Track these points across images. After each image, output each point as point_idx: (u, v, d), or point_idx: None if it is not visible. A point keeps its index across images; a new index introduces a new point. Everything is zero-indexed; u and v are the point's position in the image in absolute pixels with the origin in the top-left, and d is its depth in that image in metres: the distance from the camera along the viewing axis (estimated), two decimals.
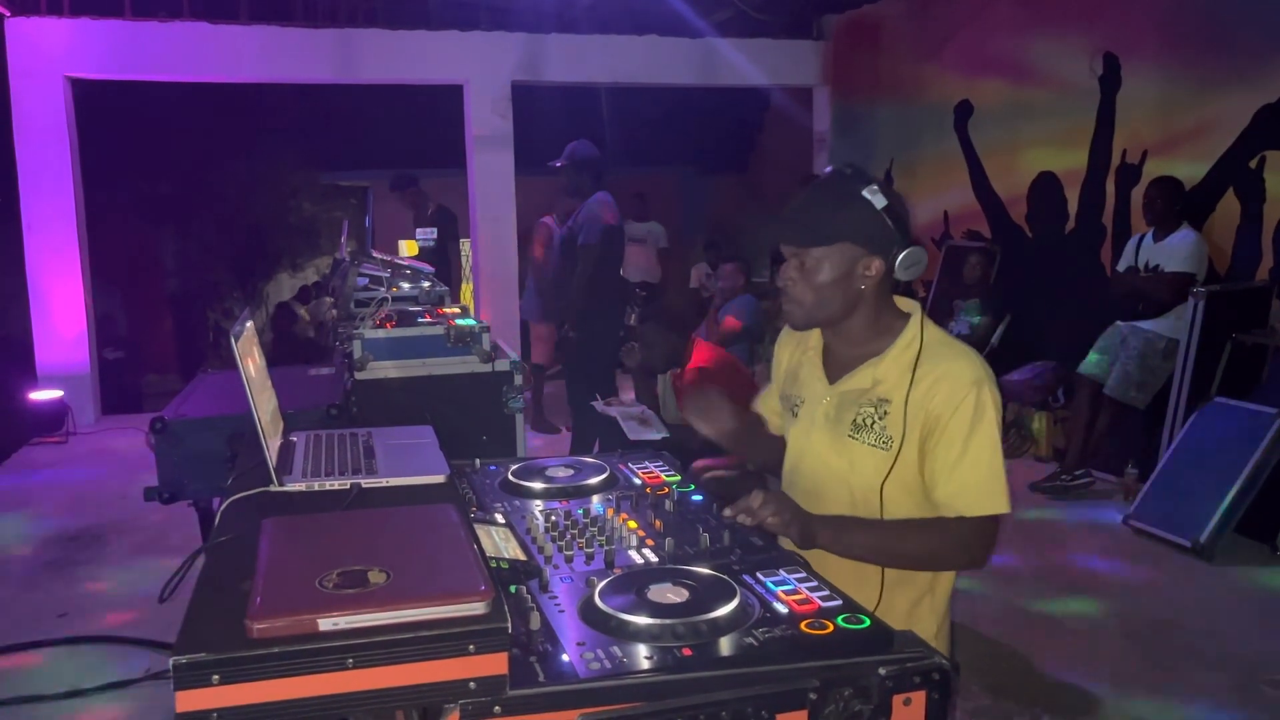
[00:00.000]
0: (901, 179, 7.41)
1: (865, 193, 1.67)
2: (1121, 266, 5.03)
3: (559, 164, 4.98)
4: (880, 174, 7.44)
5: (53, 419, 6.22)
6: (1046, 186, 6.04)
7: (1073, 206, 5.85)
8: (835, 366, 1.81)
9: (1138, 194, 5.17)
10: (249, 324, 1.64)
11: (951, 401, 1.65)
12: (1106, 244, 5.58)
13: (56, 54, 6.43)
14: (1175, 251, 4.75)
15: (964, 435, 1.65)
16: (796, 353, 1.91)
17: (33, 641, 3.36)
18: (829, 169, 1.76)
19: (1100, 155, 5.62)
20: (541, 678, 1.08)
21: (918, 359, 1.69)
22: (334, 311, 4.63)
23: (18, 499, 5.12)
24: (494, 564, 1.27)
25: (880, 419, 1.71)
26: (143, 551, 4.28)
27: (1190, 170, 5.00)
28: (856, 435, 1.73)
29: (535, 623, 1.19)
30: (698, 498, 1.71)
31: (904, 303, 1.80)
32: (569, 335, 4.90)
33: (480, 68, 7.28)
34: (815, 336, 1.86)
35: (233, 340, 1.51)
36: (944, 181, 6.91)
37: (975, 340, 5.92)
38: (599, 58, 7.51)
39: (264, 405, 1.59)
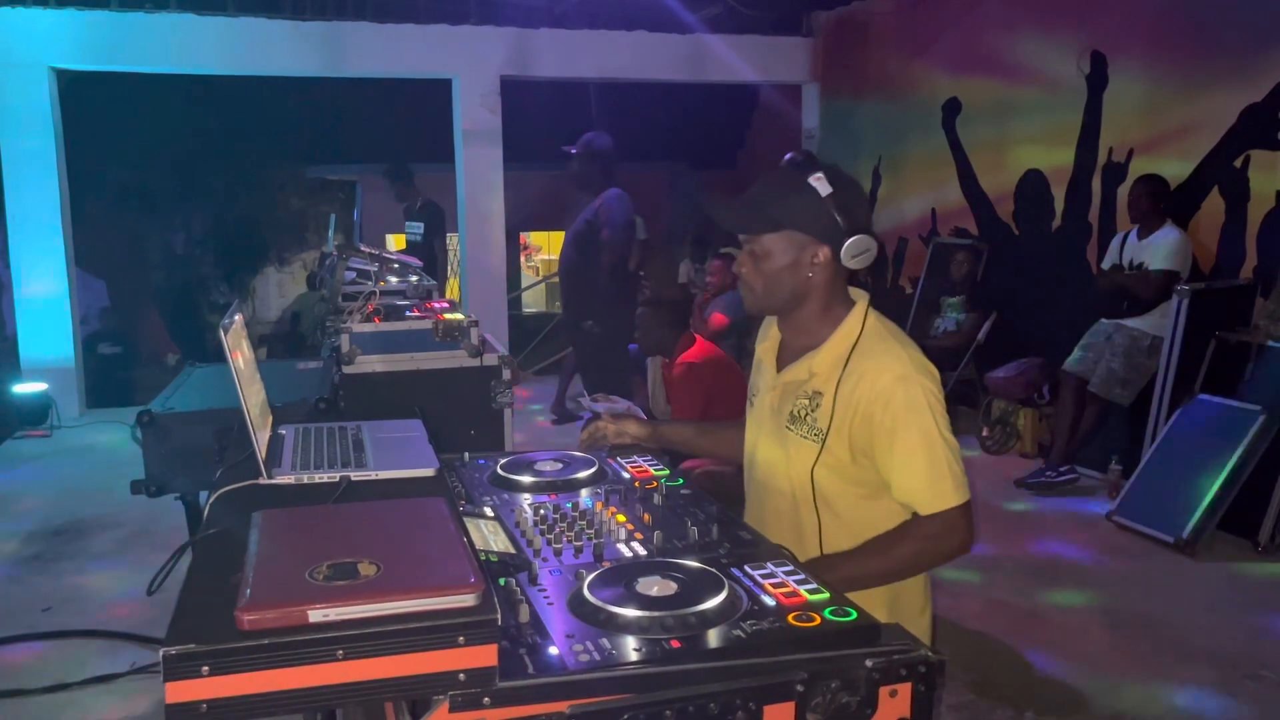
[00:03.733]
0: (889, 176, 7.43)
1: (812, 180, 1.69)
2: (1106, 264, 5.07)
3: (574, 150, 4.98)
4: (868, 171, 7.49)
5: (37, 412, 6.18)
6: (1033, 184, 6.07)
7: (1059, 204, 5.88)
8: (785, 357, 1.85)
9: (1123, 192, 5.20)
10: (238, 316, 1.63)
11: (879, 400, 1.66)
12: (1092, 242, 5.61)
13: (42, 45, 6.38)
14: (1159, 249, 4.78)
15: (900, 435, 1.66)
16: (761, 346, 1.95)
17: (18, 635, 3.35)
18: (787, 156, 1.80)
19: (1087, 153, 5.66)
20: (530, 669, 1.08)
21: (851, 352, 1.71)
22: (321, 304, 4.62)
23: (1, 492, 5.09)
24: (483, 557, 1.28)
25: (812, 411, 1.74)
26: (128, 545, 4.26)
27: (1175, 169, 5.04)
28: (792, 426, 1.77)
29: (524, 615, 1.19)
30: (686, 492, 1.71)
31: (855, 293, 1.82)
32: (591, 329, 4.91)
33: (469, 62, 7.26)
34: (775, 328, 1.90)
35: (221, 332, 1.50)
36: (932, 179, 6.94)
37: (962, 336, 5.95)
38: (588, 53, 7.50)
39: (253, 398, 1.59)
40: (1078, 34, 5.67)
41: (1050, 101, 5.88)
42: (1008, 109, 6.23)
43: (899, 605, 1.74)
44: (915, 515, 1.70)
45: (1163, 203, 4.82)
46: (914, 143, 7.12)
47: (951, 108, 6.70)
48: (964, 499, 1.67)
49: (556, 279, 13.79)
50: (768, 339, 1.92)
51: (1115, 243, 5.05)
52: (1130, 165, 5.36)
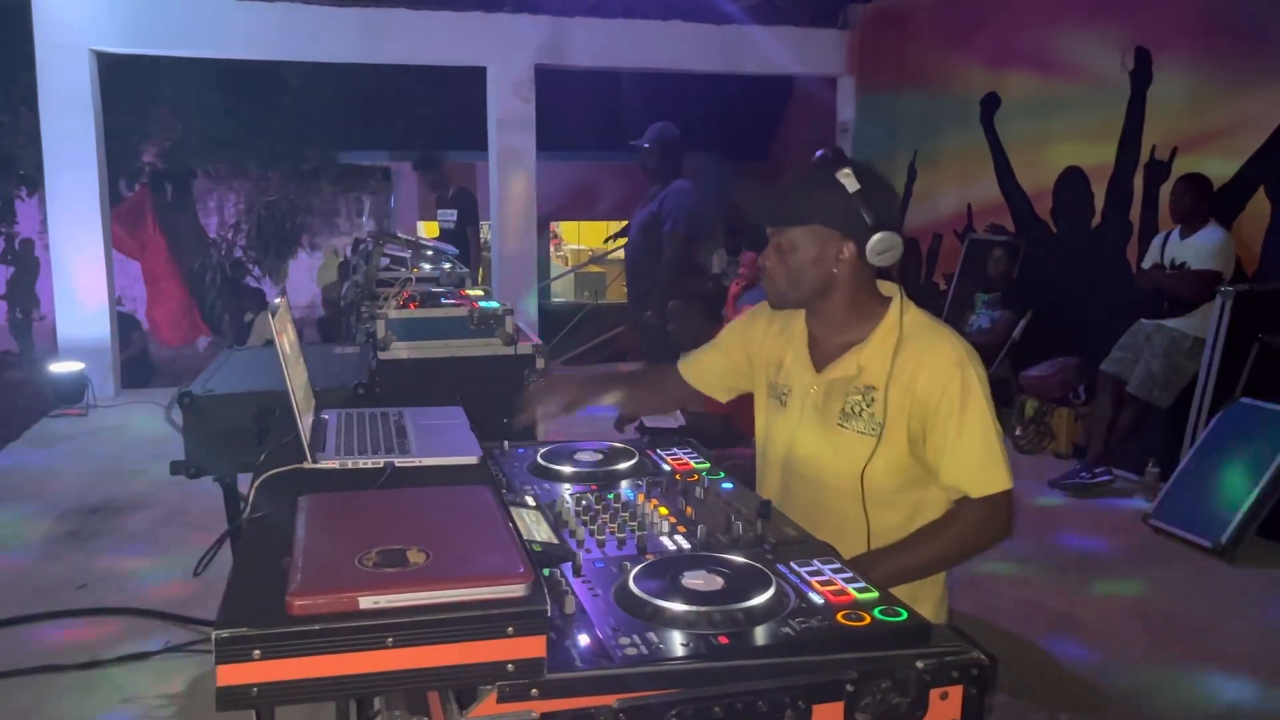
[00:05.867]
0: (925, 171, 7.36)
1: (839, 176, 1.70)
2: (1147, 263, 4.99)
3: (645, 144, 4.97)
4: (903, 165, 7.42)
5: (73, 391, 6.26)
6: (1073, 181, 5.99)
7: (1099, 202, 5.80)
8: (820, 355, 1.84)
9: (1166, 190, 5.11)
10: (283, 299, 1.63)
11: (937, 386, 1.69)
12: (1133, 240, 5.53)
13: (83, 27, 6.43)
14: (1202, 249, 4.70)
15: (956, 419, 1.69)
16: (777, 340, 1.94)
17: (53, 612, 3.39)
18: (817, 154, 1.81)
19: (1129, 151, 5.57)
20: (578, 662, 1.07)
21: (899, 344, 1.73)
22: (355, 290, 4.64)
23: (38, 470, 5.15)
24: (528, 546, 1.27)
25: (868, 406, 1.74)
26: (161, 525, 4.30)
27: (1220, 168, 4.95)
28: (845, 423, 1.77)
29: (570, 606, 1.18)
30: (728, 485, 1.69)
31: (886, 287, 1.83)
32: (650, 320, 4.92)
33: (503, 50, 7.26)
34: (799, 325, 1.89)
35: (269, 315, 1.50)
36: (968, 174, 6.86)
37: (996, 334, 5.88)
38: (623, 43, 7.47)
39: (297, 381, 1.58)
40: (1122, 28, 5.57)
41: (1092, 97, 5.79)
42: (1048, 104, 6.14)
43: (919, 593, 1.75)
44: (960, 501, 1.72)
45: (1206, 202, 4.73)
46: (950, 137, 7.04)
47: (990, 102, 6.62)
48: (1011, 484, 1.71)
49: (585, 269, 13.83)
50: (792, 335, 1.90)
51: (1156, 242, 4.97)
52: (1174, 163, 5.27)
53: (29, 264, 11.10)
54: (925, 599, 1.77)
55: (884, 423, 1.72)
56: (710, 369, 2.08)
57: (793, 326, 1.90)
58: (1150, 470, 4.75)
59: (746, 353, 2.01)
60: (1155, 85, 5.40)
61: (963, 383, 1.69)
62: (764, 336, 1.97)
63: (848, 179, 1.69)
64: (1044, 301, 5.86)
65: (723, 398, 2.10)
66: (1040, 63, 6.19)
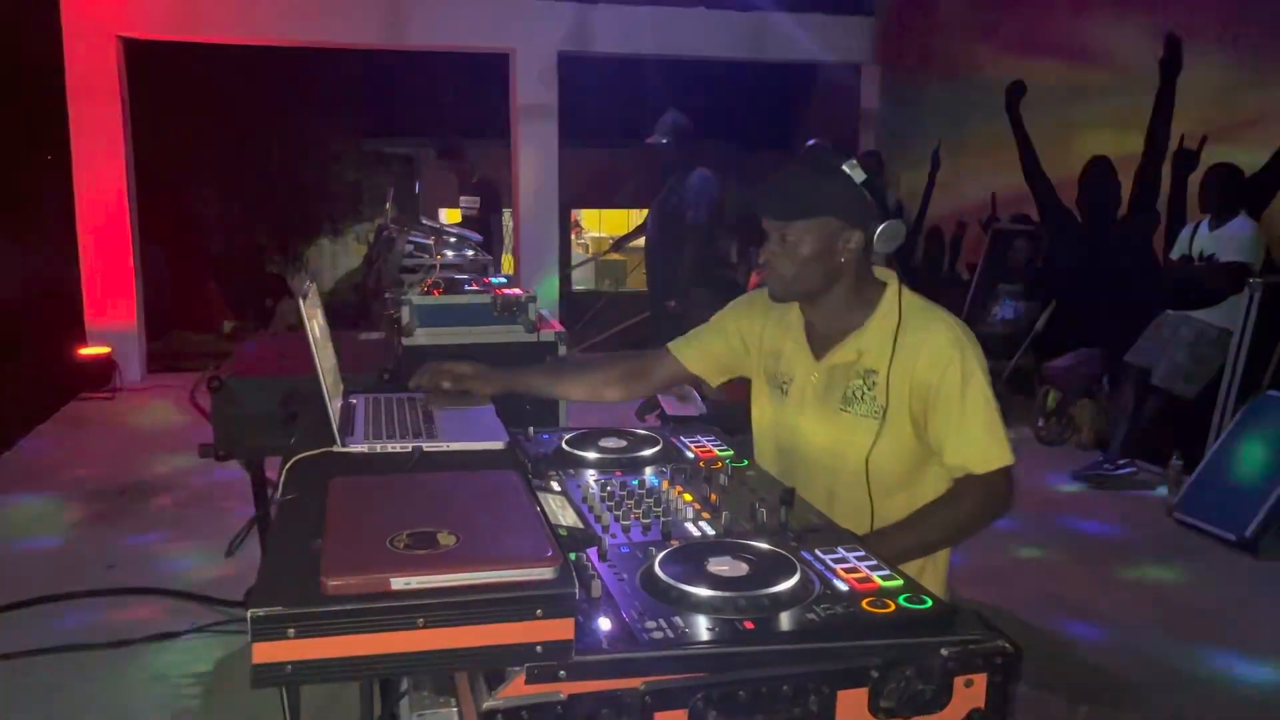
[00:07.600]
0: (949, 159, 7.31)
1: (845, 167, 1.74)
2: (1175, 255, 4.94)
3: (665, 140, 4.98)
4: (927, 153, 7.38)
5: (100, 375, 6.34)
6: (1099, 170, 5.93)
7: (1126, 192, 5.74)
8: (819, 342, 1.86)
9: (1195, 180, 5.06)
10: (312, 284, 1.65)
11: (936, 368, 1.72)
12: (1160, 231, 5.47)
13: (110, 14, 6.49)
14: (1231, 240, 4.65)
15: (958, 398, 1.71)
16: (775, 330, 1.95)
17: (83, 591, 3.43)
18: (809, 144, 1.82)
19: (1157, 140, 5.51)
20: (604, 645, 1.08)
21: (899, 327, 1.76)
22: (378, 277, 4.65)
23: (67, 452, 5.23)
24: (555, 531, 1.28)
25: (869, 390, 1.77)
26: (188, 507, 4.36)
27: (1250, 158, 4.88)
28: (848, 408, 1.79)
29: (596, 590, 1.19)
30: (751, 473, 1.70)
31: (881, 272, 1.85)
32: (673, 310, 4.94)
33: (528, 36, 7.26)
34: (795, 314, 1.91)
35: (300, 300, 1.52)
36: (993, 163, 6.81)
37: (1020, 324, 5.85)
38: (647, 29, 7.45)
39: (326, 365, 1.60)
40: (1152, 16, 5.51)
41: (1120, 85, 5.73)
42: (1075, 92, 6.08)
43: (921, 575, 1.76)
44: (962, 479, 1.74)
45: (1236, 192, 4.68)
46: (975, 125, 6.99)
47: (1016, 90, 6.56)
48: (1013, 459, 1.73)
49: (606, 258, 13.83)
50: (788, 324, 1.92)
51: (1185, 233, 4.92)
52: (1203, 153, 5.21)
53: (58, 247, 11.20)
54: (927, 581, 1.77)
55: (886, 405, 1.75)
56: (707, 352, 2.07)
57: (789, 315, 1.92)
58: (1174, 462, 4.71)
59: (744, 339, 2.02)
60: (1185, 73, 5.34)
61: (963, 362, 1.72)
62: (763, 325, 1.98)
63: (854, 169, 1.74)
64: (1068, 292, 5.82)
65: (714, 381, 2.09)
66: (1068, 50, 6.13)
